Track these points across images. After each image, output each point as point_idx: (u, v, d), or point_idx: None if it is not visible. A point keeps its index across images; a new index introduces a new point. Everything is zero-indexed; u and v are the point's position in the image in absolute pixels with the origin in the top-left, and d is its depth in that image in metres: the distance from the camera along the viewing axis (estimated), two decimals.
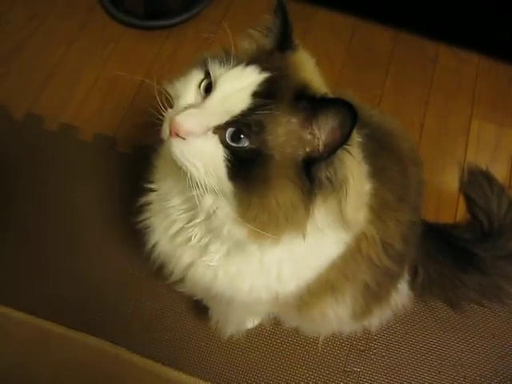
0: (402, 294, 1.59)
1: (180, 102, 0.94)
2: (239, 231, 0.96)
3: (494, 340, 1.71)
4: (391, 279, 1.41)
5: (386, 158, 1.23)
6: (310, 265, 1.13)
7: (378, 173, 1.13)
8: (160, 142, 1.01)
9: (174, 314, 1.72)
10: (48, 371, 1.64)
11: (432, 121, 2.13)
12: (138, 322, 1.71)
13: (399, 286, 1.54)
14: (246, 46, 1.01)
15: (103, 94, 2.17)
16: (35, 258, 1.80)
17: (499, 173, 2.00)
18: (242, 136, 0.87)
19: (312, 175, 0.89)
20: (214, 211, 0.96)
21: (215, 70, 0.93)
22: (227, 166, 0.88)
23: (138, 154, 1.93)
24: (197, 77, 0.96)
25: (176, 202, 1.09)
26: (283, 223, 0.92)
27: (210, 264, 1.11)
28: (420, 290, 1.70)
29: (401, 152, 1.32)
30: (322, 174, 0.89)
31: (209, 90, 0.92)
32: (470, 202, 1.94)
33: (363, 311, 1.41)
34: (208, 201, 0.95)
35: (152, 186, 1.20)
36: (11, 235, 1.84)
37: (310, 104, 0.88)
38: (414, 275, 1.66)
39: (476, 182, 1.96)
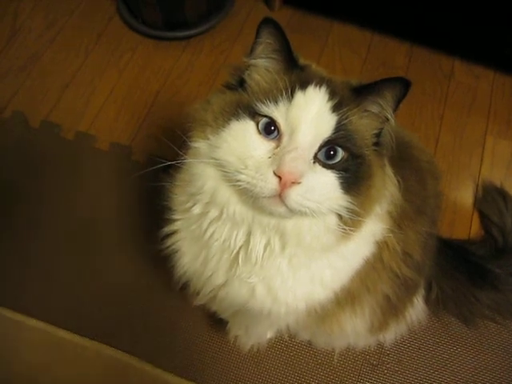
0: (417, 309, 1.60)
1: (255, 159, 0.92)
2: (330, 238, 0.99)
3: (508, 357, 1.70)
4: (409, 292, 1.41)
5: (405, 168, 1.24)
6: (348, 266, 1.15)
7: (401, 181, 1.14)
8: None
9: (186, 326, 1.72)
10: (62, 379, 1.64)
11: (447, 136, 2.13)
12: (151, 332, 1.71)
13: (415, 300, 1.54)
14: (257, 76, 1.01)
15: (120, 104, 2.19)
16: (51, 266, 1.81)
17: None
18: (333, 151, 0.93)
19: (381, 144, 1.01)
20: (308, 229, 0.98)
21: (271, 109, 0.94)
22: (341, 184, 0.93)
23: (153, 164, 1.92)
24: (247, 127, 0.95)
25: (223, 228, 1.06)
26: (379, 201, 1.03)
27: (249, 281, 1.11)
28: (434, 305, 1.70)
29: (419, 163, 1.33)
30: (385, 138, 1.01)
31: (269, 129, 0.94)
32: (484, 218, 1.94)
33: (380, 324, 1.42)
34: (303, 222, 0.97)
35: (176, 216, 1.20)
36: (27, 244, 1.85)
37: (371, 89, 0.96)
38: (428, 290, 1.66)
39: (490, 198, 1.96)
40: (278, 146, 0.92)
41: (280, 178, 0.88)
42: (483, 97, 2.25)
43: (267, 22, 0.96)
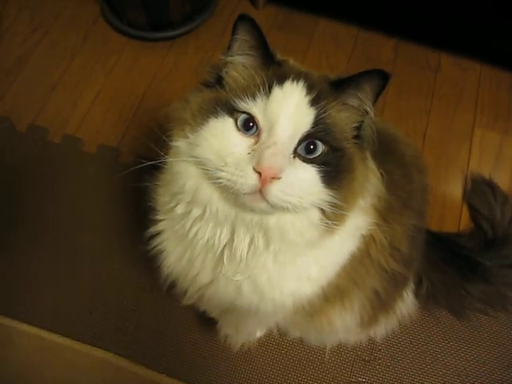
0: (407, 303, 1.60)
1: (234, 156, 0.92)
2: (313, 233, 0.99)
3: (500, 349, 1.70)
4: (398, 286, 1.41)
5: (389, 162, 1.23)
6: (334, 261, 1.15)
7: (384, 174, 1.14)
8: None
9: (177, 326, 1.71)
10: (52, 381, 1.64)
11: (435, 129, 2.13)
12: (143, 333, 1.70)
13: (405, 294, 1.54)
14: (234, 73, 1.01)
15: (106, 106, 2.18)
16: (41, 271, 1.81)
17: (502, 181, 1.99)
18: (313, 145, 0.93)
19: (362, 137, 1.01)
20: (291, 225, 0.97)
21: (249, 105, 0.93)
22: (321, 177, 0.93)
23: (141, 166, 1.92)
24: (226, 124, 0.95)
25: (207, 227, 1.06)
26: (361, 195, 1.03)
27: (235, 279, 1.11)
28: (424, 299, 1.69)
29: (404, 158, 1.33)
30: (366, 131, 1.01)
31: (248, 125, 0.93)
32: (473, 210, 1.94)
33: (370, 319, 1.42)
34: (285, 218, 0.96)
35: (160, 216, 1.20)
36: (16, 247, 1.84)
37: (349, 83, 0.96)
38: (418, 284, 1.66)
39: (479, 190, 1.96)
40: (257, 142, 0.92)
41: (260, 173, 0.88)
42: (470, 89, 2.26)
43: (243, 19, 0.95)
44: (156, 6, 2.22)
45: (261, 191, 0.89)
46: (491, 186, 1.95)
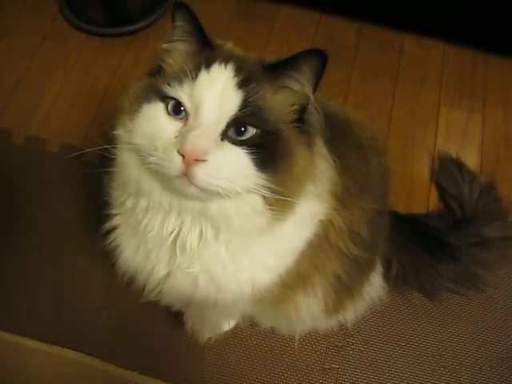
0: (375, 287, 1.59)
1: (163, 140, 0.91)
2: (260, 220, 0.97)
3: (473, 327, 1.70)
4: (361, 270, 1.39)
5: (344, 145, 1.22)
6: (289, 248, 1.13)
7: (337, 160, 1.12)
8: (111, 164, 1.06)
9: (147, 322, 1.69)
10: None
11: (400, 111, 2.13)
12: (112, 331, 1.69)
13: (372, 278, 1.53)
14: (171, 60, 1.00)
15: (69, 105, 2.15)
16: (6, 273, 1.78)
17: (470, 159, 1.99)
18: (244, 128, 0.91)
19: (306, 121, 0.98)
20: (234, 212, 0.96)
21: (177, 90, 0.92)
22: (253, 160, 0.90)
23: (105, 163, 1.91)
24: (157, 108, 0.94)
25: (156, 218, 1.05)
26: (306, 181, 1.00)
27: (189, 271, 1.09)
28: (395, 281, 1.69)
29: (360, 140, 1.31)
30: (312, 115, 0.98)
31: (178, 110, 0.93)
32: (441, 190, 1.93)
33: (335, 305, 1.40)
34: (227, 205, 0.95)
35: (114, 211, 1.18)
36: None
37: (286, 65, 0.94)
38: (388, 267, 1.65)
39: (447, 169, 1.95)
40: (185, 126, 0.91)
41: (184, 156, 0.86)
42: (435, 69, 2.25)
43: (178, 5, 0.95)
44: (114, 1, 2.19)
45: (187, 175, 0.87)
46: (458, 164, 1.94)
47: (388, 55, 2.28)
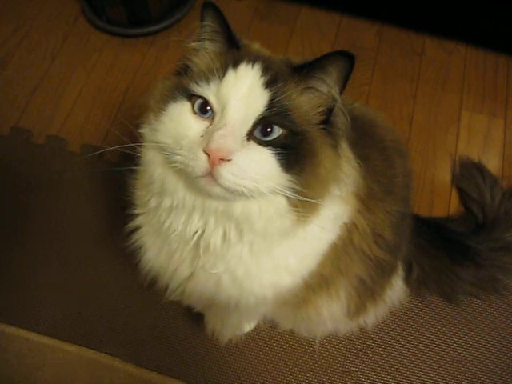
0: (396, 290, 1.58)
1: (188, 139, 0.91)
2: (284, 222, 0.97)
3: (494, 332, 1.69)
4: (384, 273, 1.39)
5: (369, 148, 1.22)
6: (313, 251, 1.13)
7: (362, 162, 1.12)
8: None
9: (167, 323, 1.70)
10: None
11: (421, 114, 2.11)
12: (132, 331, 1.69)
13: (393, 281, 1.53)
14: (198, 60, 1.00)
15: (89, 105, 2.16)
16: (27, 272, 1.79)
17: (491, 163, 1.98)
18: (270, 128, 0.91)
19: (332, 123, 0.97)
20: (258, 213, 0.96)
21: (203, 89, 0.93)
22: (278, 161, 0.90)
23: (126, 162, 1.91)
24: (183, 107, 0.95)
25: (179, 218, 1.05)
26: (331, 183, 0.99)
27: (213, 272, 1.10)
28: (416, 285, 1.68)
29: (384, 143, 1.31)
30: (338, 117, 0.98)
31: (204, 109, 0.93)
32: (463, 194, 1.92)
33: (358, 308, 1.40)
34: (251, 206, 0.95)
35: (137, 210, 1.19)
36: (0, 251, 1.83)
37: (313, 66, 0.93)
38: (408, 271, 1.64)
39: (468, 173, 1.94)
40: (211, 125, 0.91)
41: (209, 155, 0.86)
42: (456, 72, 2.24)
43: (207, 5, 0.96)
44: (135, 2, 2.20)
45: (212, 174, 0.87)
46: (480, 168, 1.93)
47: (409, 57, 2.27)
